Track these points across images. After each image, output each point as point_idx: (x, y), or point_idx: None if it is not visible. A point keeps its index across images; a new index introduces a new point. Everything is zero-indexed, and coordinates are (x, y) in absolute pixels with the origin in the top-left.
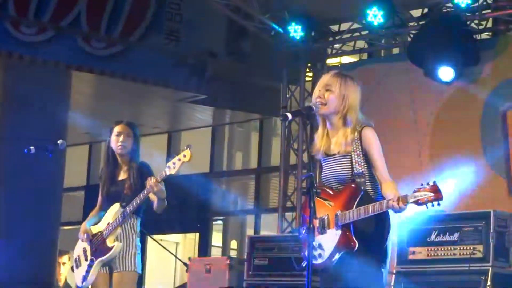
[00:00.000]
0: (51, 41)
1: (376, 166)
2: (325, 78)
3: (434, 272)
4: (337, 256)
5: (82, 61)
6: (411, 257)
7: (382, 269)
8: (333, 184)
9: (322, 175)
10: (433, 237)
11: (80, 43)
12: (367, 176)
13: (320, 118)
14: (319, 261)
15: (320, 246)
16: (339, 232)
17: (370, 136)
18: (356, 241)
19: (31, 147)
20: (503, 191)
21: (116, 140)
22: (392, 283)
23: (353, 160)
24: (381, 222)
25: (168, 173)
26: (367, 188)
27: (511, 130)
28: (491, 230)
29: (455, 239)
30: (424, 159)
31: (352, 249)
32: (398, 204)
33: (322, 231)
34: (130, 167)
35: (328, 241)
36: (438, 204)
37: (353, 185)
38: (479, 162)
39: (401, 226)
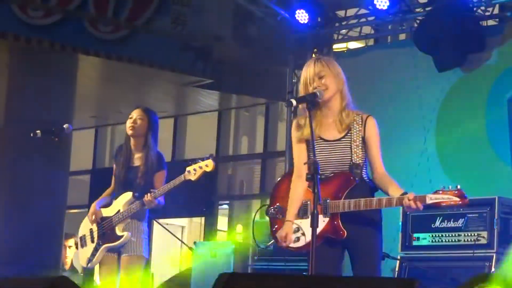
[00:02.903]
0: (58, 24)
1: (374, 154)
2: (311, 69)
3: (438, 258)
4: (319, 241)
5: (88, 45)
6: (415, 243)
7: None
8: (327, 170)
9: (319, 161)
10: (437, 223)
11: (87, 26)
12: (364, 167)
13: (308, 106)
14: (298, 244)
15: (298, 229)
16: (327, 219)
17: (375, 125)
18: (344, 230)
19: (37, 131)
20: (507, 178)
21: (128, 122)
22: (396, 269)
23: (352, 150)
24: (378, 215)
25: (187, 178)
26: (364, 179)
27: None
28: (496, 217)
29: (460, 225)
30: (430, 146)
31: (341, 237)
32: (415, 203)
33: (303, 215)
34: (146, 155)
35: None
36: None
37: (344, 176)
38: (484, 148)
39: (405, 212)
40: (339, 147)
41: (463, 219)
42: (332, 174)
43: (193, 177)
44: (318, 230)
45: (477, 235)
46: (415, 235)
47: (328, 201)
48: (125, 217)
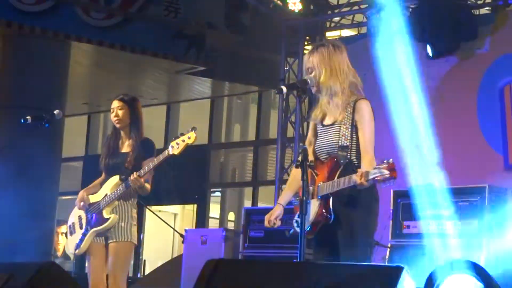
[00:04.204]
0: (50, 11)
1: (361, 138)
2: (305, 60)
3: (428, 246)
4: (317, 226)
5: (81, 32)
6: (405, 231)
7: (368, 240)
8: (323, 154)
9: (316, 145)
10: (428, 211)
11: (80, 13)
12: (352, 149)
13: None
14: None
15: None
16: (318, 203)
17: (364, 108)
18: (331, 213)
19: (28, 117)
20: (499, 166)
21: (111, 116)
22: (387, 256)
23: (341, 133)
24: (368, 196)
25: (171, 153)
26: (352, 161)
27: (508, 105)
28: (486, 205)
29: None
30: (421, 134)
31: (327, 221)
32: (360, 179)
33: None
34: (133, 141)
35: (311, 211)
36: (392, 183)
37: (335, 159)
38: (475, 136)
39: (396, 199)
40: (331, 131)
41: (454, 208)
42: (326, 158)
43: (176, 151)
44: (313, 215)
45: (468, 224)
46: (406, 223)
47: (319, 184)
48: (112, 199)
